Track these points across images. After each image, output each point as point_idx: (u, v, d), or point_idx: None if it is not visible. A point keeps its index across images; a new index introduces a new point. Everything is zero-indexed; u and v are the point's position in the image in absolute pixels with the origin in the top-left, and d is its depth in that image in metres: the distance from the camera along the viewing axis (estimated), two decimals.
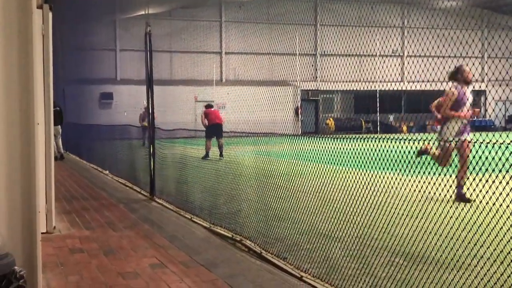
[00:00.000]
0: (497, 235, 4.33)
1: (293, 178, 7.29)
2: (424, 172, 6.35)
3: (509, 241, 4.23)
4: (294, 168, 7.37)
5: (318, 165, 7.85)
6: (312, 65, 41.21)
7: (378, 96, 39.84)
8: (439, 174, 5.87)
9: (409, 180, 5.46)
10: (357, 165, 6.89)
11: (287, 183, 7.25)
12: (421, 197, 5.69)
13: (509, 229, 4.25)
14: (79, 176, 15.37)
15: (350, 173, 6.14)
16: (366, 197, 5.71)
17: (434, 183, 5.27)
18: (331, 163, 6.40)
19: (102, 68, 32.93)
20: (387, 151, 5.65)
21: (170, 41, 36.98)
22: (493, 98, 6.89)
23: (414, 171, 5.80)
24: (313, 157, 7.42)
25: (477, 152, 4.97)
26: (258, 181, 7.86)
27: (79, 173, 16.25)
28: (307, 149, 7.46)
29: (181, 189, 9.86)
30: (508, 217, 4.42)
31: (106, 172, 15.66)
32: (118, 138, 16.23)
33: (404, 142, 5.48)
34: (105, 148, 17.40)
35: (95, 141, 19.13)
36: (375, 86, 39.05)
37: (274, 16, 38.82)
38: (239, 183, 8.16)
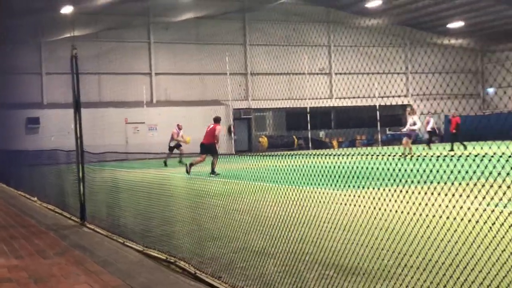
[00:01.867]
0: (425, 244, 4.48)
1: (226, 197, 7.31)
2: (353, 186, 6.51)
3: (435, 248, 4.38)
4: (227, 187, 7.39)
5: (251, 183, 7.89)
6: (244, 84, 41.52)
7: (308, 113, 40.52)
8: (367, 188, 6.03)
9: (340, 194, 5.58)
10: (289, 181, 6.98)
11: (220, 202, 7.26)
12: (352, 211, 5.82)
13: (436, 237, 4.41)
14: (6, 204, 14.84)
15: (282, 189, 6.21)
16: (298, 212, 5.79)
17: (364, 196, 5.41)
18: (263, 180, 6.46)
19: (27, 92, 32.07)
20: (319, 166, 5.76)
21: (98, 63, 36.47)
22: (421, 112, 7.15)
23: (343, 186, 5.94)
24: (246, 175, 7.46)
25: (402, 165, 5.14)
26: (191, 201, 7.84)
27: (6, 201, 15.70)
28: (240, 168, 7.51)
29: (112, 213, 9.69)
30: (435, 226, 4.58)
31: (34, 198, 15.20)
32: (46, 163, 15.81)
33: (335, 158, 5.60)
34: (33, 174, 16.91)
35: (22, 168, 18.56)
36: (305, 104, 39.70)
37: (203, 36, 38.99)
38: (172, 205, 8.10)
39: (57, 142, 21.80)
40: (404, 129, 23.96)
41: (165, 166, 20.59)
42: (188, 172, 17.48)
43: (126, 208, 9.45)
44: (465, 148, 25.96)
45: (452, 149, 26.48)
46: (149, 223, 8.33)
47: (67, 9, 33.50)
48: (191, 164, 17.87)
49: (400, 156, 7.05)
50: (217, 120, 20.48)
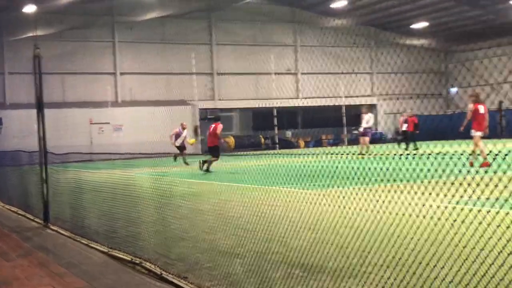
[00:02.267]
0: (388, 241, 4.53)
1: (193, 197, 7.28)
2: (320, 186, 6.55)
3: (398, 246, 4.44)
4: (192, 187, 7.37)
5: (217, 183, 7.88)
6: (210, 84, 41.38)
7: (275, 113, 40.61)
8: (332, 187, 6.07)
9: (306, 194, 5.60)
10: (256, 182, 6.98)
11: (186, 203, 7.23)
12: (318, 210, 5.86)
13: (399, 235, 4.46)
14: None
15: (249, 189, 6.22)
16: (265, 212, 5.80)
17: (329, 195, 5.44)
18: (230, 180, 6.45)
19: None
20: (285, 166, 5.79)
21: (62, 62, 35.94)
22: (384, 112, 7.22)
23: (309, 185, 5.97)
24: (212, 175, 7.43)
25: (366, 164, 5.19)
26: (157, 202, 7.78)
27: None
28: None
29: (77, 215, 9.57)
30: (398, 224, 4.64)
31: None
32: (9, 164, 15.51)
33: (302, 157, 5.62)
34: None
35: None
36: (272, 103, 39.81)
37: (169, 35, 38.77)
38: (138, 205, 8.03)
39: (21, 143, 21.43)
40: (360, 129, 24.05)
41: (174, 162, 20.49)
42: (205, 169, 17.63)
43: (90, 209, 9.34)
44: (417, 149, 26.27)
45: (406, 148, 26.87)
46: (114, 224, 8.24)
47: (30, 8, 32.92)
48: (210, 162, 18.07)
49: (359, 155, 7.11)
50: (217, 119, 21.05)
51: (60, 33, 35.57)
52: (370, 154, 18.87)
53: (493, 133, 28.94)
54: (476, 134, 15.92)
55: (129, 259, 6.79)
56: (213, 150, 19.26)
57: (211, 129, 20.40)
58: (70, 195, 10.32)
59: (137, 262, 6.60)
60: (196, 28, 39.30)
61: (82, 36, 37.51)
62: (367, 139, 23.36)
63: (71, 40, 37.21)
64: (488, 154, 16.38)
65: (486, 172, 3.98)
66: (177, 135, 23.63)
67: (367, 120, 23.69)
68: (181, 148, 23.24)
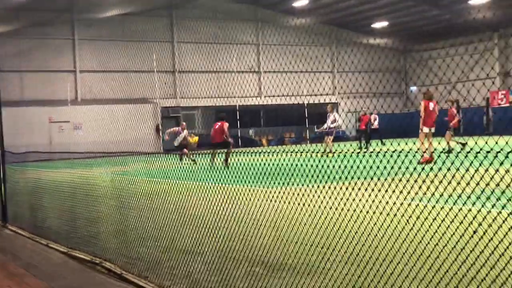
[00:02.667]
0: (346, 238, 4.61)
1: (153, 196, 7.25)
2: (281, 184, 6.61)
3: (356, 242, 4.52)
4: (154, 186, 7.34)
5: (178, 182, 7.86)
6: (172, 82, 41.16)
7: (238, 111, 40.65)
8: (293, 185, 6.14)
9: (267, 192, 5.65)
10: (217, 180, 7.00)
11: (146, 202, 7.20)
12: (279, 207, 5.91)
13: (356, 231, 4.54)
14: None
15: (210, 188, 6.24)
16: (226, 210, 5.83)
17: (289, 193, 5.50)
18: (191, 179, 6.45)
19: None
20: (248, 164, 5.82)
21: (20, 60, 35.28)
22: (343, 110, 7.32)
23: (271, 183, 6.02)
24: (172, 174, 7.43)
25: (331, 161, 5.26)
26: (117, 202, 7.73)
27: None
28: (167, 167, 7.47)
29: (36, 215, 9.43)
30: (355, 220, 4.72)
31: None
32: None
33: (264, 155, 5.66)
34: None
35: None
36: (234, 102, 39.81)
37: (130, 33, 38.41)
38: (98, 205, 7.97)
39: None
40: (324, 127, 24.13)
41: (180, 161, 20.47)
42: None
43: (50, 209, 9.23)
44: (367, 148, 26.51)
45: (360, 147, 27.01)
46: (74, 224, 8.17)
47: None
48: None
49: (322, 154, 7.19)
50: (222, 118, 22.06)
51: (18, 30, 34.91)
52: (334, 152, 19.08)
53: (465, 130, 29.58)
54: (424, 129, 16.51)
55: (89, 259, 6.74)
56: (224, 144, 20.69)
57: (217, 127, 21.61)
58: (29, 195, 10.17)
59: (97, 262, 6.56)
60: (157, 25, 39.04)
61: (40, 34, 36.87)
62: (331, 137, 23.43)
63: (29, 37, 36.55)
64: (433, 152, 16.87)
65: (431, 169, 4.09)
66: (176, 134, 23.99)
67: (332, 119, 23.68)
68: (181, 147, 23.23)
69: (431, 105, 16.95)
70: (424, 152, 15.63)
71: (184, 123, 25.14)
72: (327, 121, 23.97)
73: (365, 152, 4.39)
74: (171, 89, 40.94)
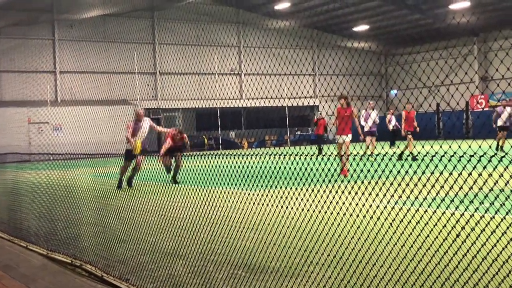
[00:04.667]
0: (330, 241, 4.61)
1: (135, 198, 7.20)
2: (263, 186, 6.59)
3: (340, 246, 4.52)
4: (135, 188, 7.29)
5: (160, 184, 7.81)
6: (153, 84, 40.97)
7: (219, 113, 40.57)
8: (275, 188, 6.12)
9: (250, 194, 5.62)
10: (199, 182, 6.97)
11: (128, 203, 7.14)
12: (261, 210, 5.89)
13: (340, 235, 4.54)
14: None
15: (193, 190, 6.20)
16: (208, 213, 5.80)
17: (272, 196, 5.49)
18: (171, 181, 6.40)
19: None
20: (228, 167, 5.79)
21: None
22: (327, 112, 7.32)
23: (253, 186, 6.00)
24: (154, 176, 7.38)
25: (308, 164, 5.25)
26: (98, 204, 7.66)
27: None
28: (149, 168, 7.42)
29: (15, 217, 9.31)
30: (339, 223, 4.72)
31: None
32: None
33: (246, 158, 5.64)
34: None
35: None
36: (215, 104, 39.79)
37: (111, 34, 38.18)
38: (78, 207, 7.89)
39: None
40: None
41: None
42: None
43: (29, 210, 9.11)
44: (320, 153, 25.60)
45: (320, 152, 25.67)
46: (54, 226, 8.07)
47: None
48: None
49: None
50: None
51: None
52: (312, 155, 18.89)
53: (432, 134, 29.79)
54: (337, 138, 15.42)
55: (69, 261, 6.67)
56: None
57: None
58: (8, 197, 10.04)
59: (77, 264, 6.48)
60: (139, 27, 38.85)
61: (20, 34, 36.52)
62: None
63: (9, 37, 36.17)
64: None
65: (414, 172, 4.10)
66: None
67: (374, 118, 21.92)
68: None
69: (349, 110, 15.72)
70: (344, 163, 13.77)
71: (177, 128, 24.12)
72: (368, 120, 21.43)
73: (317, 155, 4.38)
74: (152, 91, 40.75)
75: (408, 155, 19.55)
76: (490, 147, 3.61)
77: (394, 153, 5.85)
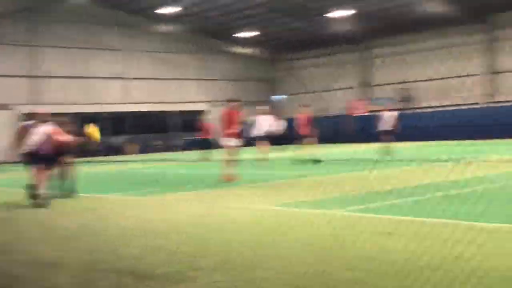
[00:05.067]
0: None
1: (12, 207, 6.88)
2: (149, 192, 6.52)
3: (230, 249, 4.55)
4: (13, 196, 6.96)
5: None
6: (34, 88, 39.16)
7: (103, 118, 39.49)
8: (163, 193, 6.08)
9: (136, 200, 5.54)
10: (82, 189, 6.78)
11: (5, 213, 6.81)
12: (149, 216, 5.82)
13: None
14: None
15: (77, 198, 6.02)
16: (94, 222, 5.65)
17: (159, 201, 5.44)
18: (55, 188, 6.17)
19: None
20: (113, 173, 5.68)
21: None
22: (214, 117, 7.37)
23: (139, 191, 5.92)
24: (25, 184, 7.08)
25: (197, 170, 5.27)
26: None
27: None
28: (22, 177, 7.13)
29: None
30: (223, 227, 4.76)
31: None
32: None
33: (129, 163, 5.56)
34: None
35: None
36: (100, 108, 38.78)
37: None
38: None
39: None
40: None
41: None
42: None
43: None
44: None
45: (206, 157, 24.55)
46: None
47: None
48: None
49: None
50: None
51: None
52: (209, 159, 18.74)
53: (326, 138, 30.53)
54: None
55: None
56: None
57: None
58: None
59: None
60: (17, 29, 37.03)
61: None
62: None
63: None
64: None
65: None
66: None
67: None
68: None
69: (237, 114, 14.66)
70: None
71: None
72: (258, 125, 21.53)
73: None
74: (33, 95, 38.96)
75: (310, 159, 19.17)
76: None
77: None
